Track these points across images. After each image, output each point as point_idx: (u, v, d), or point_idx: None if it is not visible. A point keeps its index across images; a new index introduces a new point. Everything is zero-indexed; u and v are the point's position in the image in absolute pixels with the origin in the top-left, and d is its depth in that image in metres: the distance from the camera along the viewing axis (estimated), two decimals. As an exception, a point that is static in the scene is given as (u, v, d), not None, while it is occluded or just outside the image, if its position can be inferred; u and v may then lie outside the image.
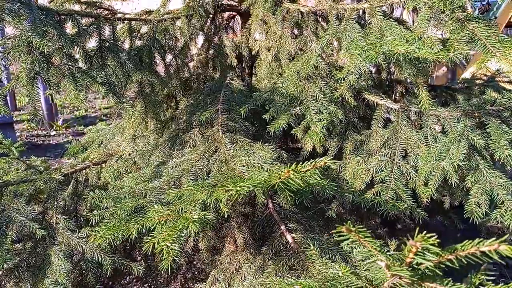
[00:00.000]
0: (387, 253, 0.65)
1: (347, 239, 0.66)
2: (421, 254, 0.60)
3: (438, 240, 0.59)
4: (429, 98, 1.55)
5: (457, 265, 0.61)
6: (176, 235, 0.84)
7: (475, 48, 1.27)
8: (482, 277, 0.66)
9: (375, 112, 1.72)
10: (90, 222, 1.36)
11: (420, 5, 1.42)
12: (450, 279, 0.65)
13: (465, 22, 1.28)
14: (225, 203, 0.89)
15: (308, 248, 1.14)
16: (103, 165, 1.90)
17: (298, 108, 1.58)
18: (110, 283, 2.12)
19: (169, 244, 0.82)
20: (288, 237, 1.25)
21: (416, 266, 0.61)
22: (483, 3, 4.96)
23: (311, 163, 0.88)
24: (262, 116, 1.62)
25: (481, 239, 0.59)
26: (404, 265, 0.61)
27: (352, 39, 1.53)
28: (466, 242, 0.60)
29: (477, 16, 1.33)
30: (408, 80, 2.01)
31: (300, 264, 1.16)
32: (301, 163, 0.90)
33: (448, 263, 0.60)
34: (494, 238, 0.58)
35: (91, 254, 1.47)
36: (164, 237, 0.83)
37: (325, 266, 1.05)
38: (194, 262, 2.07)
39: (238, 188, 0.88)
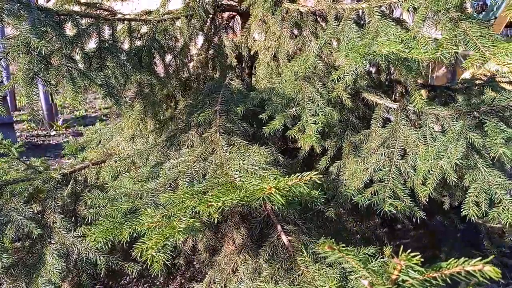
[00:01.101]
0: (372, 268, 0.65)
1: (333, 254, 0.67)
2: (405, 272, 0.60)
3: (422, 259, 0.60)
4: (422, 97, 1.55)
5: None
6: (162, 244, 0.87)
7: (468, 48, 1.26)
8: None
9: (374, 111, 1.72)
10: (86, 220, 1.36)
11: (416, 5, 1.41)
12: None
13: (459, 22, 1.28)
14: (215, 211, 0.90)
15: (303, 253, 1.15)
16: (102, 165, 1.90)
17: (294, 109, 1.58)
18: (110, 283, 2.12)
19: (154, 254, 0.85)
20: (285, 239, 1.25)
21: (402, 283, 0.61)
22: (479, 3, 4.93)
23: (297, 176, 0.88)
24: (259, 116, 1.62)
25: (466, 258, 0.59)
26: (389, 283, 0.62)
27: (350, 40, 1.53)
28: (451, 261, 0.60)
29: (473, 16, 1.32)
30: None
31: (295, 268, 1.16)
32: (290, 175, 0.90)
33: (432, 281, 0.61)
34: (479, 258, 0.58)
35: (86, 254, 1.46)
36: (152, 245, 0.86)
37: (319, 272, 1.05)
38: (194, 263, 2.08)
39: (220, 204, 0.89)
